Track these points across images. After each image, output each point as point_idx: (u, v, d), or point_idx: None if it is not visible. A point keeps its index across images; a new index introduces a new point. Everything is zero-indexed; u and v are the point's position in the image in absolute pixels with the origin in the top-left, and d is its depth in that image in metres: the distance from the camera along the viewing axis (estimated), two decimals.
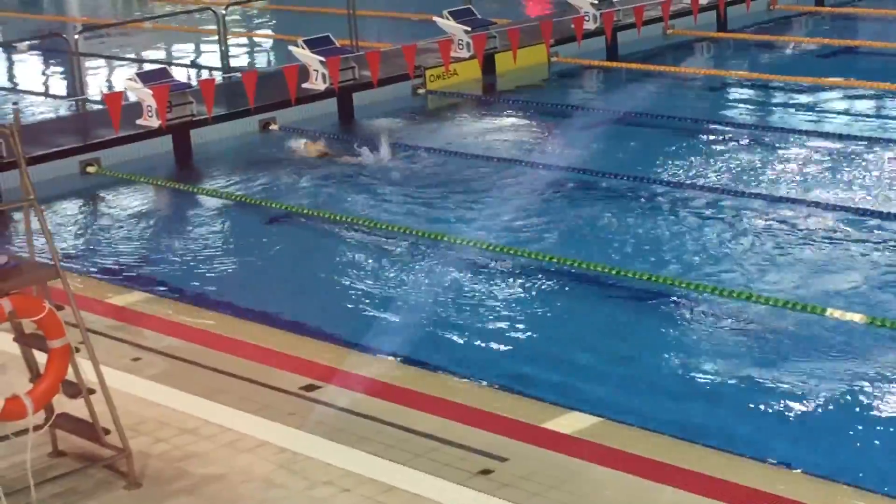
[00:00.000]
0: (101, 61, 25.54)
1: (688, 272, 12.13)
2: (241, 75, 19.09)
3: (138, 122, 17.65)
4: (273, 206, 14.97)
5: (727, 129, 17.53)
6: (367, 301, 11.91)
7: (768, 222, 13.38)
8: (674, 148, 16.58)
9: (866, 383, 9.63)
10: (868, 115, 18.23)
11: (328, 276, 12.67)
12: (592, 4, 22.28)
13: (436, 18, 21.17)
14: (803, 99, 19.22)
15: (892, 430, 9.06)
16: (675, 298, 11.52)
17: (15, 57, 26.90)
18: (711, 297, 11.38)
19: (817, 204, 13.77)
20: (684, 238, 13.13)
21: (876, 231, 12.94)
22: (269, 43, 27.65)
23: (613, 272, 12.06)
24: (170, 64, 23.22)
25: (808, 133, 16.84)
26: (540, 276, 12.35)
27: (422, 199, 14.99)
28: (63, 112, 20.98)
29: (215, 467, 8.28)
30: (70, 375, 8.01)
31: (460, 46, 20.79)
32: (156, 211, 15.80)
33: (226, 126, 18.29)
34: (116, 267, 13.36)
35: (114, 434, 8.11)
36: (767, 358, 10.19)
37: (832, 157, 15.72)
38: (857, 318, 10.64)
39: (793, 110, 18.73)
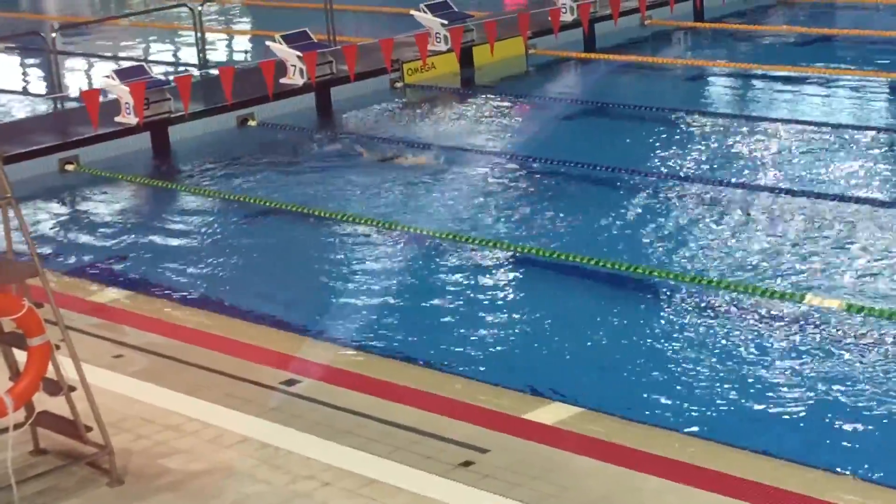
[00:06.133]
0: (79, 59, 25.48)
1: (666, 261, 12.17)
2: (218, 71, 19.04)
3: (116, 119, 17.62)
4: (251, 201, 14.94)
5: (706, 118, 17.56)
6: (347, 295, 11.90)
7: (744, 210, 13.43)
8: (653, 138, 16.61)
9: (845, 370, 9.69)
10: (846, 102, 18.29)
11: (308, 271, 12.66)
12: None
13: (413, 12, 21.15)
14: (782, 87, 19.27)
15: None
16: (654, 287, 11.55)
17: None
18: (691, 286, 11.41)
19: (793, 192, 13.82)
20: (663, 228, 13.16)
21: (854, 216, 12.99)
22: (246, 39, 27.59)
23: (592, 262, 12.07)
24: (147, 61, 23.14)
25: (786, 121, 16.89)
26: (518, 266, 12.36)
27: (400, 192, 14.99)
28: (41, 110, 20.92)
29: (198, 463, 8.27)
30: (51, 373, 8.00)
31: (437, 40, 20.78)
32: (135, 208, 15.76)
33: (204, 122, 18.26)
34: (96, 264, 13.33)
35: (96, 431, 8.10)
36: (748, 346, 10.21)
37: (811, 144, 15.78)
38: (834, 304, 10.71)
39: (771, 99, 18.78)
